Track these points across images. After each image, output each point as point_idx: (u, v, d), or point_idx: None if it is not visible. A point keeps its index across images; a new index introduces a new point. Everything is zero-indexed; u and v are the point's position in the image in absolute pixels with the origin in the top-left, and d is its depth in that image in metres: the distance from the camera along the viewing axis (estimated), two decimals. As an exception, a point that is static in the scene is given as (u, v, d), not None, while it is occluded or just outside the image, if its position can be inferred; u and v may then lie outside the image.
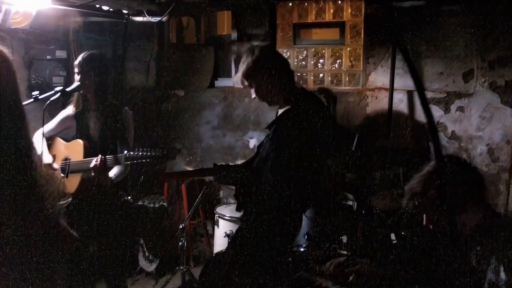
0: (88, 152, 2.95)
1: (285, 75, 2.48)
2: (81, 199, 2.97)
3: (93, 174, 2.85)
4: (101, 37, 4.63)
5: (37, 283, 1.20)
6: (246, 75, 2.44)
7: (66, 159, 3.04)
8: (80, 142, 3.02)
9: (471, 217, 1.84)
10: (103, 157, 2.83)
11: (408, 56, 1.35)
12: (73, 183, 2.97)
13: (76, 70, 2.99)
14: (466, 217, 1.84)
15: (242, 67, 2.46)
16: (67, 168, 3.01)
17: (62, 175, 2.99)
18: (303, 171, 2.35)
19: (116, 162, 2.88)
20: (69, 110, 3.14)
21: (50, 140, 3.13)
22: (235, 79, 2.52)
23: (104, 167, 2.84)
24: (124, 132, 3.06)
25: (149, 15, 3.88)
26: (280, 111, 2.48)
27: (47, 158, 2.97)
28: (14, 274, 1.16)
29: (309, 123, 2.38)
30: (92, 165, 2.82)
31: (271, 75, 2.41)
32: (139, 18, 4.14)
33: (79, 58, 3.01)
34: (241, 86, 2.55)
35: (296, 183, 2.35)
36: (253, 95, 2.50)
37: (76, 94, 3.06)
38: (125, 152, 2.84)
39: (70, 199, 2.98)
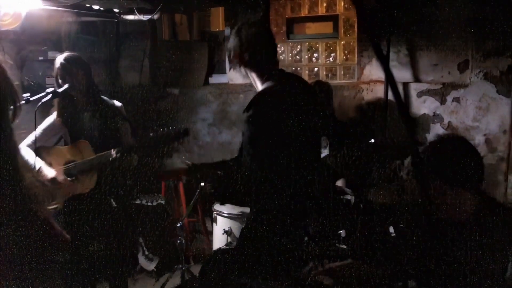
0: (95, 149, 2.96)
1: (267, 47, 2.36)
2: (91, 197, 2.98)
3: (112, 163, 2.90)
4: (93, 36, 4.60)
5: (37, 283, 1.20)
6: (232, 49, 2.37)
7: (69, 162, 3.01)
8: (85, 141, 3.00)
9: (467, 201, 1.81)
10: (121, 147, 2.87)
11: (380, 49, 1.32)
12: (87, 182, 2.97)
13: (60, 73, 2.94)
14: (463, 199, 1.81)
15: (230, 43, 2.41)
16: (74, 170, 2.99)
17: (69, 178, 2.96)
18: (287, 159, 2.20)
19: (141, 145, 2.91)
20: (52, 118, 3.10)
21: (41, 149, 3.07)
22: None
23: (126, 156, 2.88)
24: (127, 120, 3.09)
25: (140, 13, 3.85)
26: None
27: (50, 173, 2.91)
28: (13, 274, 1.16)
29: (292, 103, 2.23)
30: (113, 156, 2.85)
31: (249, 45, 2.31)
32: (130, 17, 4.11)
33: (60, 60, 2.95)
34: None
35: (282, 173, 2.25)
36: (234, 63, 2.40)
37: (56, 100, 3.00)
38: (151, 134, 2.85)
39: (59, 204, 2.95)
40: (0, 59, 1.23)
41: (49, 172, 2.91)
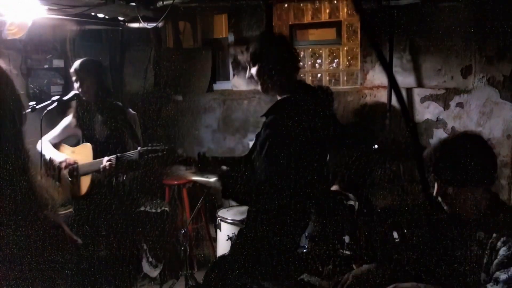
0: (97, 154, 3.03)
1: (287, 60, 2.46)
2: (88, 202, 3.03)
3: (102, 173, 2.95)
4: (98, 44, 4.64)
5: (37, 283, 1.21)
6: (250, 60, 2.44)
7: (73, 163, 3.10)
8: (88, 145, 3.11)
9: (476, 197, 1.79)
10: (115, 156, 2.90)
11: (382, 55, 1.34)
12: (83, 184, 3.05)
13: (73, 78, 3.06)
14: (472, 196, 1.79)
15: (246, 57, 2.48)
16: (74, 172, 3.06)
17: (70, 179, 3.04)
18: (301, 164, 2.29)
19: (131, 159, 2.93)
20: (69, 119, 3.20)
21: (55, 147, 3.20)
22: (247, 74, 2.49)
23: (115, 166, 2.90)
24: (133, 130, 3.16)
25: (145, 21, 3.88)
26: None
27: (59, 157, 3.10)
28: (13, 274, 1.17)
29: (309, 114, 2.34)
30: (103, 165, 2.89)
31: (270, 58, 2.39)
32: (135, 25, 4.15)
33: (75, 65, 3.06)
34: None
35: (293, 176, 2.30)
36: (252, 75, 2.47)
37: (74, 103, 3.12)
38: (138, 148, 2.87)
39: (71, 208, 3.03)
40: (6, 69, 1.25)
41: (59, 156, 3.07)
